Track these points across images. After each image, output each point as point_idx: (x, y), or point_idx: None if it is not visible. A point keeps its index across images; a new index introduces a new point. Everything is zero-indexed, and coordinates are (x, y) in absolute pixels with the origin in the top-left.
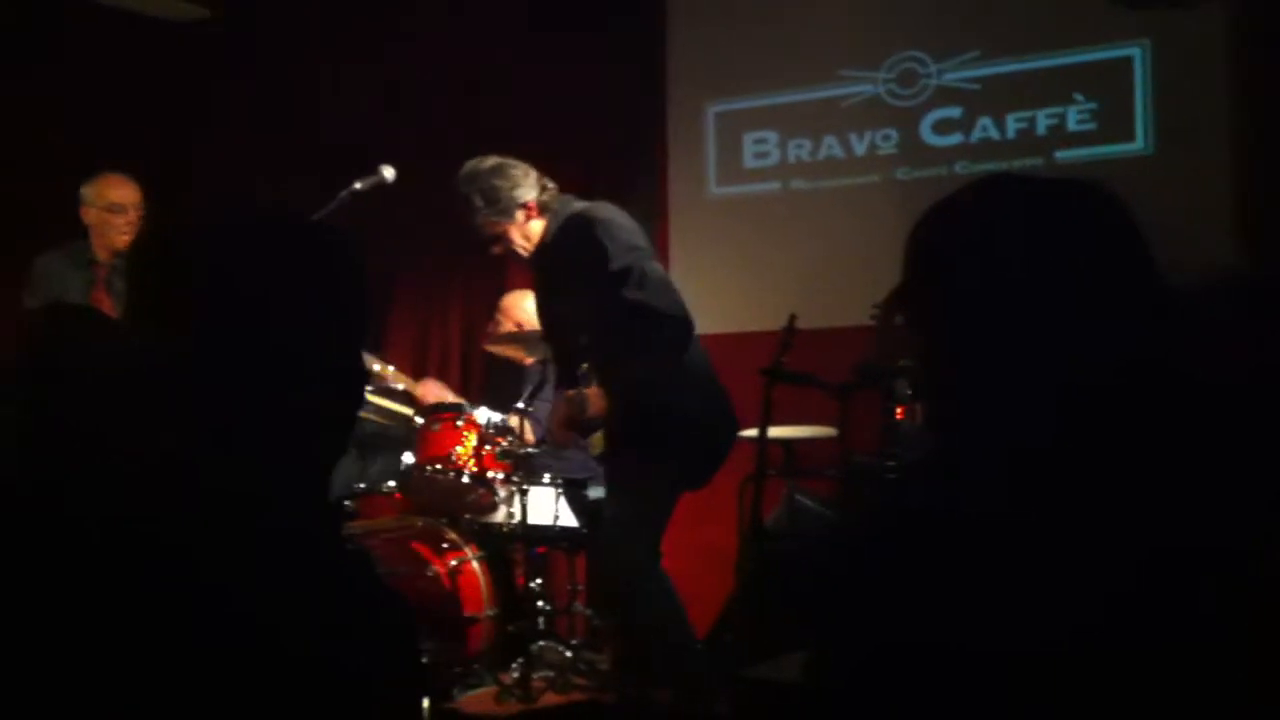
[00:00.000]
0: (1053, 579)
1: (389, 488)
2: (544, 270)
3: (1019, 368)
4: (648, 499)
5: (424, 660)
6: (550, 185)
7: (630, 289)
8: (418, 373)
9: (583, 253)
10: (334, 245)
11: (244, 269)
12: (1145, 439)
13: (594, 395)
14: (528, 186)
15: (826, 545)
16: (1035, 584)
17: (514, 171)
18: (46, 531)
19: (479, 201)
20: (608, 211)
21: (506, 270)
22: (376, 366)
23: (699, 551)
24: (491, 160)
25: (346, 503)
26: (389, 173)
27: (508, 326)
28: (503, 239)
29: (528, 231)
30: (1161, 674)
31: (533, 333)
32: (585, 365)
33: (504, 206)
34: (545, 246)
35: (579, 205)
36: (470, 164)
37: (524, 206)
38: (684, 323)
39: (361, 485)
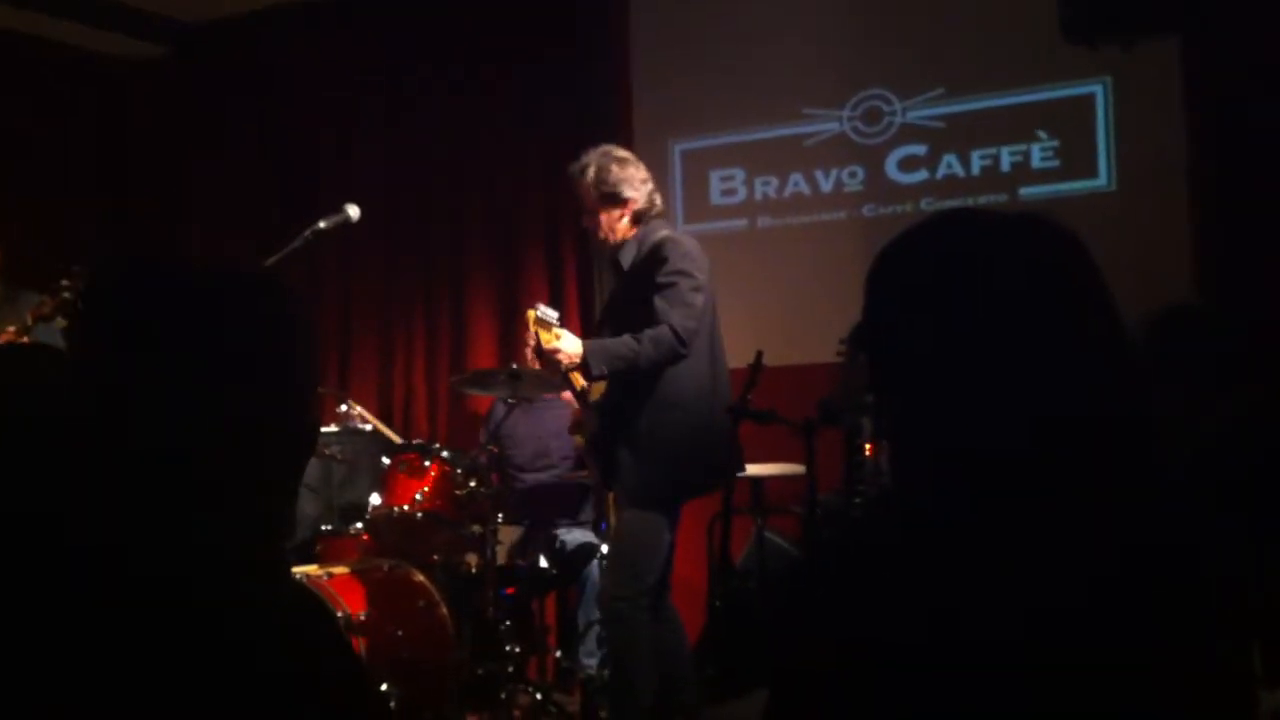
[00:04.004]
0: (1005, 588)
1: (356, 529)
2: (616, 278)
3: (973, 401)
4: (626, 541)
5: (392, 704)
6: (659, 204)
7: (660, 299)
8: (383, 410)
9: (647, 271)
10: (276, 300)
11: (179, 324)
12: (1093, 465)
13: (568, 339)
14: (637, 189)
15: (786, 576)
16: (987, 591)
17: (633, 170)
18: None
19: (591, 174)
20: (682, 237)
21: (466, 307)
22: (344, 406)
23: (671, 589)
24: (624, 152)
25: (316, 548)
26: (353, 211)
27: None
28: (592, 216)
29: (615, 226)
30: (1112, 674)
31: (496, 371)
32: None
33: (608, 190)
34: (623, 257)
35: (665, 232)
36: (606, 145)
37: (623, 201)
38: (680, 342)
39: (327, 527)
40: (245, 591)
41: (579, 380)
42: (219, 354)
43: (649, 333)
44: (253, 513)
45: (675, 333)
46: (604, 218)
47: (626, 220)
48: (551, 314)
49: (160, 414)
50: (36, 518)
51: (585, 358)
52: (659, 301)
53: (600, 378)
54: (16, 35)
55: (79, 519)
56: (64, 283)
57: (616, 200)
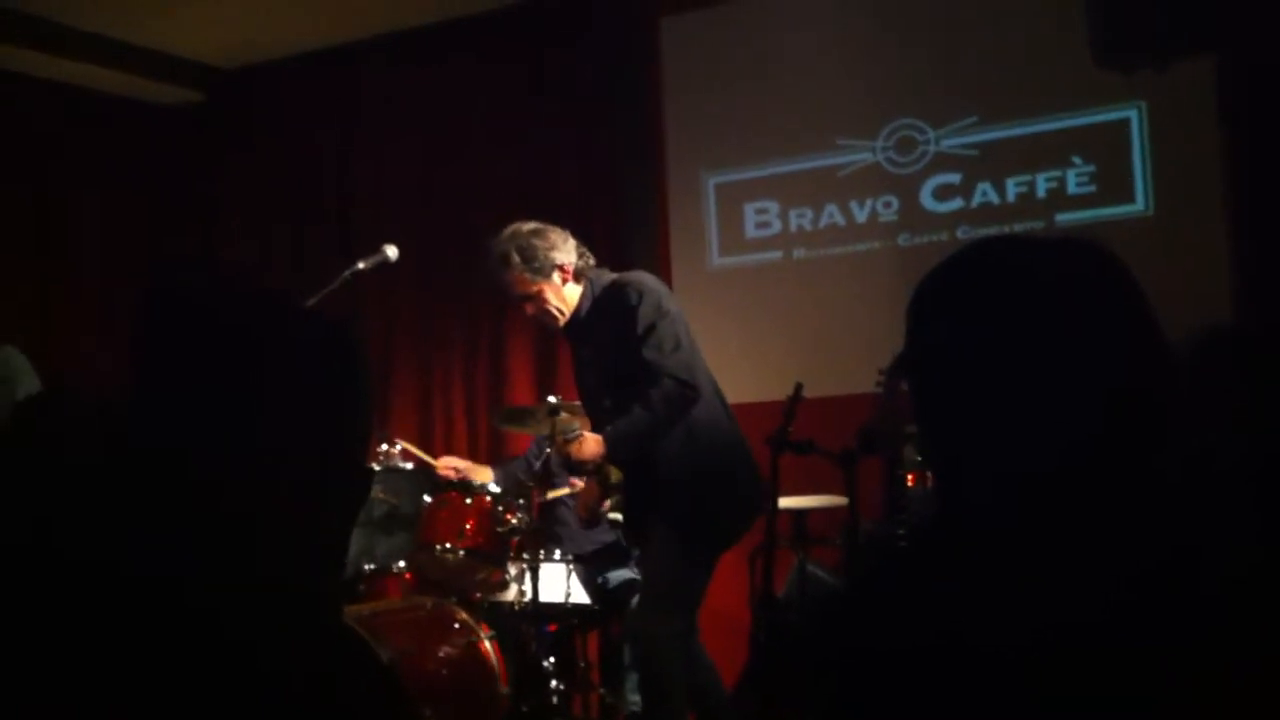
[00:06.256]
0: (1042, 599)
1: (399, 567)
2: (580, 340)
3: (1020, 424)
4: (666, 572)
5: None
6: (588, 254)
7: (649, 348)
8: (423, 447)
9: (615, 317)
10: (335, 337)
11: (242, 356)
12: (1141, 482)
13: (588, 440)
14: (565, 250)
15: (829, 606)
16: (1039, 609)
17: (553, 235)
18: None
19: (516, 258)
20: (641, 276)
21: (505, 342)
22: (384, 445)
23: (712, 623)
24: (531, 224)
25: (360, 587)
26: (392, 252)
27: None
28: (536, 299)
29: (563, 295)
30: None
31: (535, 407)
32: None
33: (540, 265)
34: (581, 317)
35: (612, 275)
36: (510, 226)
37: (560, 268)
38: (687, 387)
39: (371, 565)
40: (246, 600)
41: (614, 474)
42: (225, 369)
43: (655, 394)
44: (278, 539)
45: (678, 380)
46: (549, 293)
47: (570, 284)
48: (574, 429)
49: (160, 423)
50: (40, 527)
51: (611, 449)
52: (647, 353)
53: (629, 460)
54: (50, 83)
55: (75, 527)
56: None
57: (552, 269)
